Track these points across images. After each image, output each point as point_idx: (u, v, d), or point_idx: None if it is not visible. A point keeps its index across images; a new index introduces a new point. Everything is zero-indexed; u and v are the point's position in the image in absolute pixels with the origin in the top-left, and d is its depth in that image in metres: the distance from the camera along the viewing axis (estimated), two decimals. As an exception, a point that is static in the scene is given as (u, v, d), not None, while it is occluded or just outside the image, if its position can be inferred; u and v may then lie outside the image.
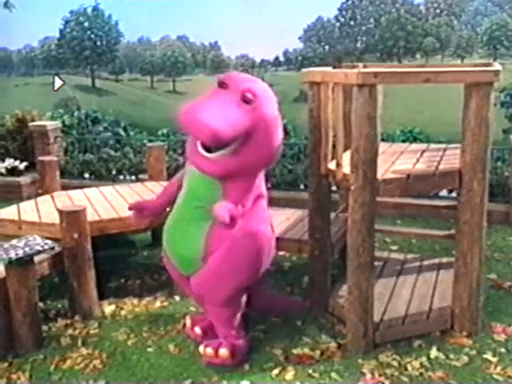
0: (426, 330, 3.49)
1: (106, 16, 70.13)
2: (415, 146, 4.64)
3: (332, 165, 3.51)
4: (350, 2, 50.06)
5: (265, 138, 3.02)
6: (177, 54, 66.21)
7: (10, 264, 3.29)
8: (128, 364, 3.29)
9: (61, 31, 69.33)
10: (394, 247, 5.28)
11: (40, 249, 3.45)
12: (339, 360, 3.24)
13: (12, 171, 7.50)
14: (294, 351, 3.34)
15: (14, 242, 3.54)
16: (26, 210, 4.61)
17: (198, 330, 3.47)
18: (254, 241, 3.17)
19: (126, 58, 72.47)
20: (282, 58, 68.66)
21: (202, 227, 3.17)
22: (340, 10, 53.07)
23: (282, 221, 4.56)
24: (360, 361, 3.22)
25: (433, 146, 4.40)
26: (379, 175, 3.10)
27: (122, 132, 10.21)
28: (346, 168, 3.26)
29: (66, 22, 68.73)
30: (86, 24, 68.25)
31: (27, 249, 3.40)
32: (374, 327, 3.33)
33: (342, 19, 49.81)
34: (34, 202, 4.91)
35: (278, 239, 4.14)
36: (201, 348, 3.27)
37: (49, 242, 3.58)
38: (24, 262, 3.35)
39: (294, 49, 61.74)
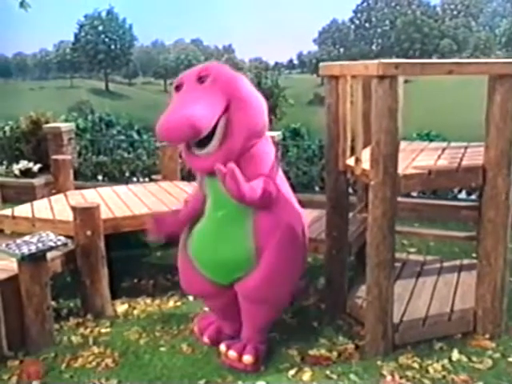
0: (447, 332, 3.40)
1: (121, 20, 70.89)
2: (435, 144, 4.55)
3: (351, 161, 3.45)
4: (365, 5, 49.83)
5: (242, 101, 2.89)
6: (190, 58, 66.66)
7: (22, 260, 3.28)
8: (140, 363, 3.26)
9: (75, 35, 70.21)
10: (412, 250, 5.18)
11: (53, 245, 3.43)
12: (357, 361, 3.17)
13: (26, 173, 7.53)
14: (311, 352, 3.28)
15: (26, 237, 3.53)
16: (40, 208, 4.61)
17: (206, 339, 3.38)
18: (300, 222, 3.10)
19: (139, 61, 73.10)
20: (295, 61, 68.72)
21: (245, 225, 3.00)
22: (355, 12, 52.85)
23: (298, 220, 4.51)
24: (379, 362, 3.14)
25: (454, 144, 4.31)
26: (400, 170, 3.03)
27: (135, 135, 10.22)
28: (366, 164, 3.19)
29: (81, 26, 69.60)
30: (101, 28, 69.02)
31: (40, 244, 3.39)
32: (394, 328, 3.25)
33: (357, 21, 49.62)
34: (47, 201, 4.92)
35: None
36: (222, 347, 3.19)
37: (62, 238, 3.56)
38: (37, 258, 3.33)
39: (308, 51, 61.77)
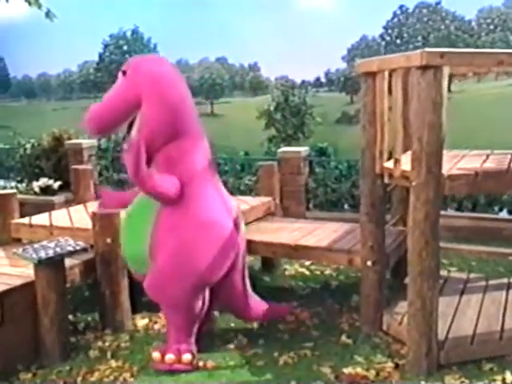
0: (498, 352, 3.19)
1: (146, 39, 72.56)
2: (477, 151, 4.39)
3: (389, 163, 3.32)
4: (395, 20, 49.90)
5: (152, 98, 3.09)
6: (214, 76, 67.51)
7: (39, 263, 3.23)
8: (160, 378, 3.16)
9: (100, 55, 72.06)
10: (453, 269, 4.97)
11: (71, 249, 3.38)
12: (398, 381, 3.00)
13: (46, 190, 7.58)
14: (345, 370, 3.13)
15: (44, 242, 3.50)
16: (58, 217, 4.61)
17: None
18: (206, 232, 3.14)
19: (163, 80, 74.31)
20: (323, 79, 68.99)
21: (148, 220, 3.19)
22: (385, 28, 52.91)
23: (330, 233, 4.39)
24: (423, 383, 2.96)
25: (497, 151, 4.14)
26: (444, 171, 2.89)
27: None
28: (406, 165, 3.06)
29: (106, 46, 71.45)
30: (125, 47, 70.69)
31: (58, 249, 3.34)
32: (439, 345, 3.06)
33: (388, 37, 49.65)
34: (66, 211, 4.92)
35: (325, 250, 3.98)
36: (156, 354, 3.22)
37: (81, 243, 3.51)
38: (54, 263, 3.28)
39: (336, 69, 61.98)
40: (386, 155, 3.38)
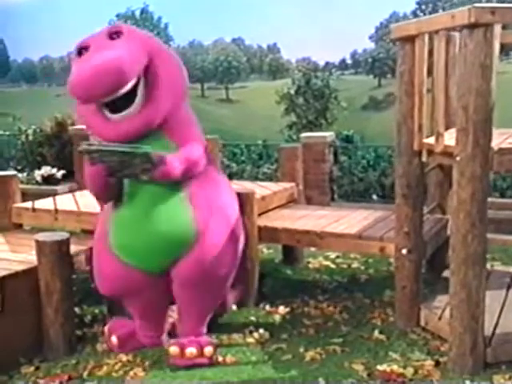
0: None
1: (156, 19, 72.72)
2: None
3: (429, 140, 3.23)
4: (430, -6, 49.27)
5: (164, 57, 3.02)
6: (230, 59, 67.43)
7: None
8: (174, 374, 3.14)
9: (106, 36, 72.36)
10: (496, 263, 4.87)
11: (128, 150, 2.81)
12: (440, 380, 2.93)
13: (48, 179, 7.62)
14: (379, 367, 3.08)
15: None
16: (63, 201, 4.62)
17: (114, 339, 3.36)
18: (233, 211, 3.33)
19: (174, 63, 74.47)
20: (349, 61, 68.56)
21: (180, 196, 3.09)
22: (419, 3, 52.32)
23: (359, 220, 4.34)
24: (468, 382, 2.89)
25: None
26: (493, 145, 2.80)
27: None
28: (450, 140, 2.97)
29: (112, 27, 71.69)
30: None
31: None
32: (485, 342, 2.97)
33: (421, 14, 48.92)
34: (71, 195, 4.94)
35: (354, 238, 3.92)
36: (174, 349, 3.17)
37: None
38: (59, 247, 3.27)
39: (363, 49, 61.48)
40: (425, 129, 3.29)
